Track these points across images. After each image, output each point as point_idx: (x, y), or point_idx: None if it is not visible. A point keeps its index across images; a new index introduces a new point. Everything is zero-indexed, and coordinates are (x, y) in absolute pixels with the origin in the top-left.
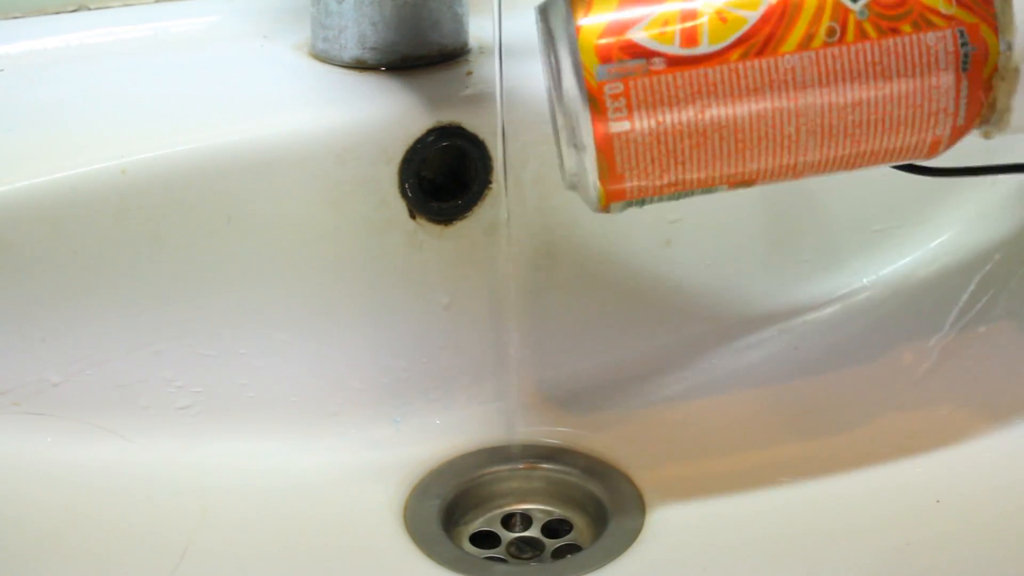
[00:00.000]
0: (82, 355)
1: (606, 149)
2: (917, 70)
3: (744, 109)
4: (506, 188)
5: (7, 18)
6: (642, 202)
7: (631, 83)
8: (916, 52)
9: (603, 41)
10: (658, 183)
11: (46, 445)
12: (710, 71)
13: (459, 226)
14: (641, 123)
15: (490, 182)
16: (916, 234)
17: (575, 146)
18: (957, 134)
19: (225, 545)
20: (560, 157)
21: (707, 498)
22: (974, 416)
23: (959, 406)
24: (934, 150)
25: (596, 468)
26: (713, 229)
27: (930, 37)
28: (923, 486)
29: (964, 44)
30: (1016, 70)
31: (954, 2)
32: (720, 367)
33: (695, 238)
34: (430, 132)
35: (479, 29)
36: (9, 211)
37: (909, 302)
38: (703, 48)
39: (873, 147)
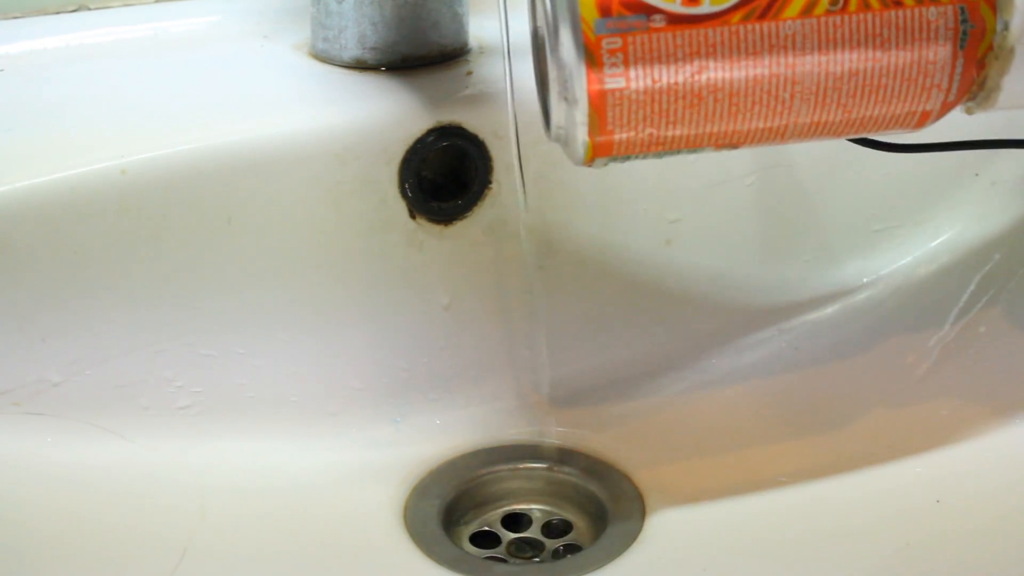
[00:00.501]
0: (82, 355)
1: (598, 104)
2: (915, 44)
3: (741, 72)
4: (523, 184)
5: (7, 18)
6: (626, 158)
7: (629, 39)
8: (916, 25)
9: None
10: (647, 140)
11: (46, 445)
12: (710, 31)
13: (459, 226)
14: (636, 80)
15: (490, 182)
16: (916, 234)
17: (566, 99)
18: (946, 109)
19: (225, 545)
20: (545, 109)
21: (707, 498)
22: (974, 416)
23: (959, 406)
24: (922, 123)
25: (596, 468)
26: (713, 229)
27: (931, 12)
28: (923, 486)
29: (964, 21)
30: (1011, 50)
31: None
32: (720, 367)
33: (695, 238)
34: (430, 132)
35: (479, 29)
36: (9, 211)
37: (909, 302)
38: (705, 8)
39: (863, 116)
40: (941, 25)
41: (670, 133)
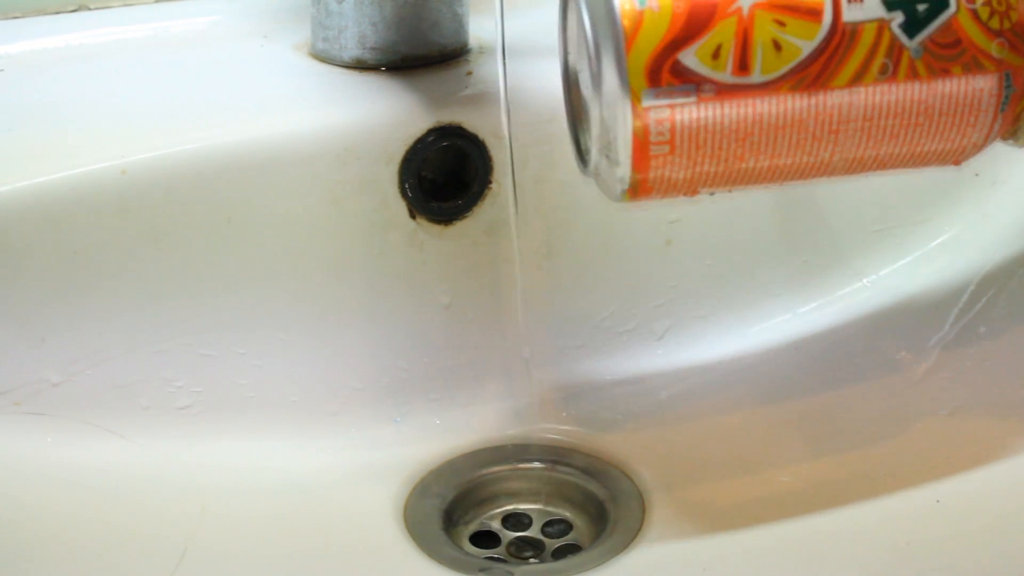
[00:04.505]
0: (82, 355)
1: (641, 168)
2: (958, 110)
3: (785, 139)
4: (514, 186)
5: (7, 18)
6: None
7: (677, 109)
8: (961, 93)
9: (654, 62)
10: (685, 192)
11: (46, 445)
12: (759, 101)
13: (459, 226)
14: (681, 148)
15: (490, 182)
16: (916, 234)
17: (607, 157)
18: (975, 154)
19: (225, 545)
20: (575, 140)
21: (707, 497)
22: (974, 416)
23: (959, 406)
24: (946, 166)
25: (596, 468)
26: (713, 229)
27: (978, 80)
28: (923, 486)
29: (1008, 87)
30: None
31: (1006, 45)
32: (720, 367)
33: (695, 238)
34: (430, 132)
35: (479, 29)
36: (9, 211)
37: (909, 302)
38: (755, 77)
39: (895, 168)
40: (985, 92)
41: (707, 186)
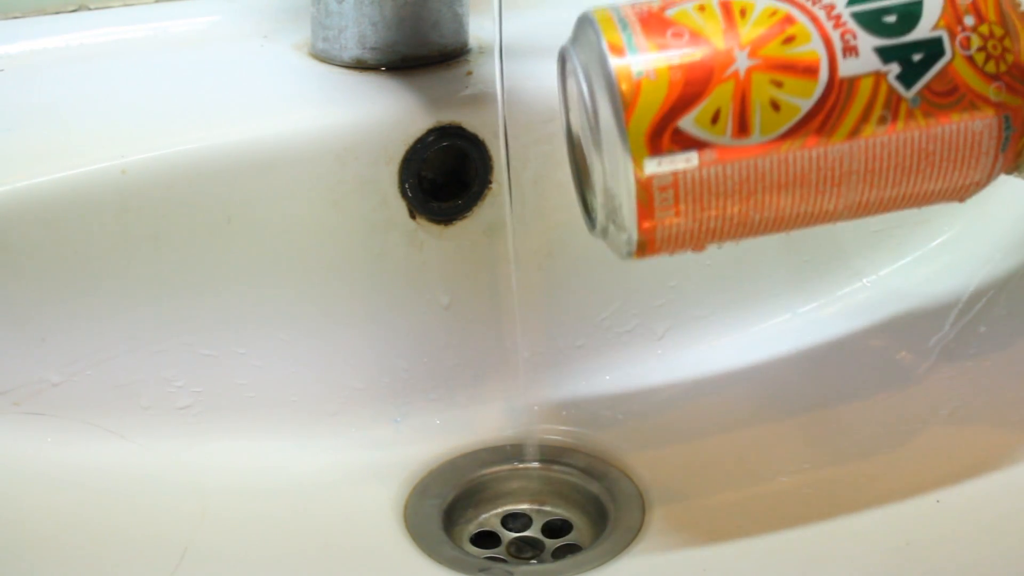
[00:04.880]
0: (82, 355)
1: (648, 232)
2: (959, 154)
3: (789, 193)
4: (510, 187)
5: (7, 18)
6: None
7: (680, 175)
8: (961, 138)
9: (654, 131)
10: (691, 248)
11: (46, 445)
12: (760, 160)
13: (459, 226)
14: (686, 212)
15: (490, 182)
16: (916, 234)
17: (614, 223)
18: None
19: (225, 545)
20: (583, 199)
21: (707, 497)
22: (974, 416)
23: (959, 406)
24: (950, 202)
25: (596, 468)
26: None
27: (977, 124)
28: (923, 486)
29: (1008, 128)
30: None
31: (1003, 88)
32: (720, 367)
33: None
34: (430, 132)
35: (479, 29)
36: (9, 211)
37: (909, 302)
38: (755, 138)
39: (898, 210)
40: (985, 135)
41: (712, 241)
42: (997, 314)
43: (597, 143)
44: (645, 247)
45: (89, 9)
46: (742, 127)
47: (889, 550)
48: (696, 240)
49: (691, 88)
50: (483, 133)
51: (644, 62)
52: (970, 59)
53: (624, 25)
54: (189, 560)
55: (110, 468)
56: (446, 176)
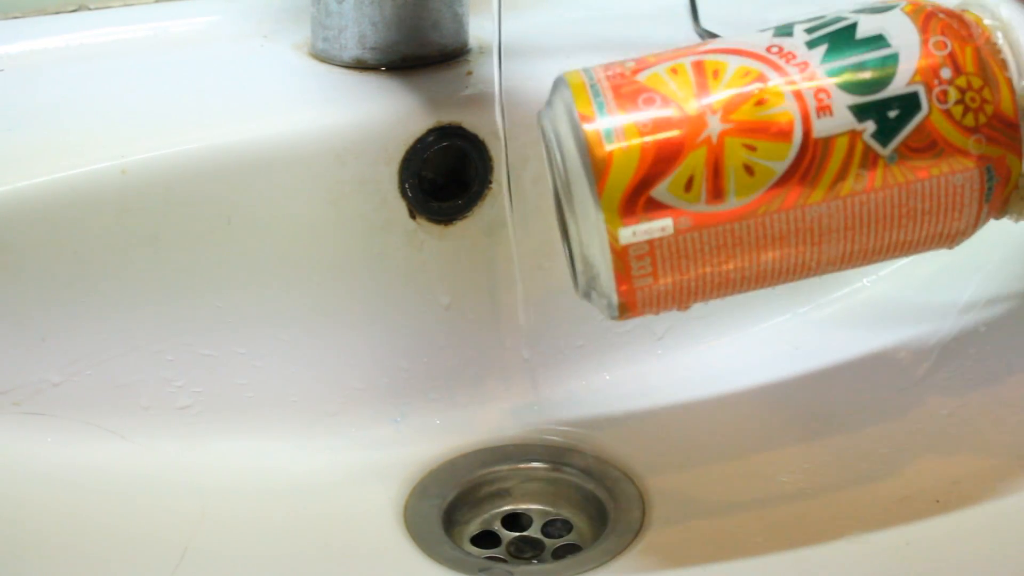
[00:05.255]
0: (82, 355)
1: (628, 297)
2: (941, 207)
3: (768, 254)
4: (509, 187)
5: (7, 18)
6: None
7: (656, 243)
8: (942, 192)
9: (627, 201)
10: (675, 307)
11: (46, 445)
12: (736, 225)
13: (459, 226)
14: (665, 278)
15: (490, 182)
16: None
17: (595, 290)
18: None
19: (225, 545)
20: (569, 262)
21: (707, 497)
22: (974, 416)
23: (959, 406)
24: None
25: (596, 468)
26: None
27: (957, 178)
28: (923, 486)
29: (990, 179)
30: None
31: (983, 140)
32: (720, 367)
33: None
34: (430, 132)
35: (479, 29)
36: (9, 211)
37: (909, 302)
38: (730, 203)
39: (883, 261)
40: (967, 188)
41: (694, 301)
42: (997, 314)
43: (572, 212)
44: (627, 311)
45: (89, 9)
46: (716, 193)
47: (889, 550)
48: (679, 300)
49: (663, 156)
50: (483, 133)
51: (616, 133)
52: (948, 113)
53: (596, 92)
54: (189, 560)
55: (110, 468)
56: (446, 176)
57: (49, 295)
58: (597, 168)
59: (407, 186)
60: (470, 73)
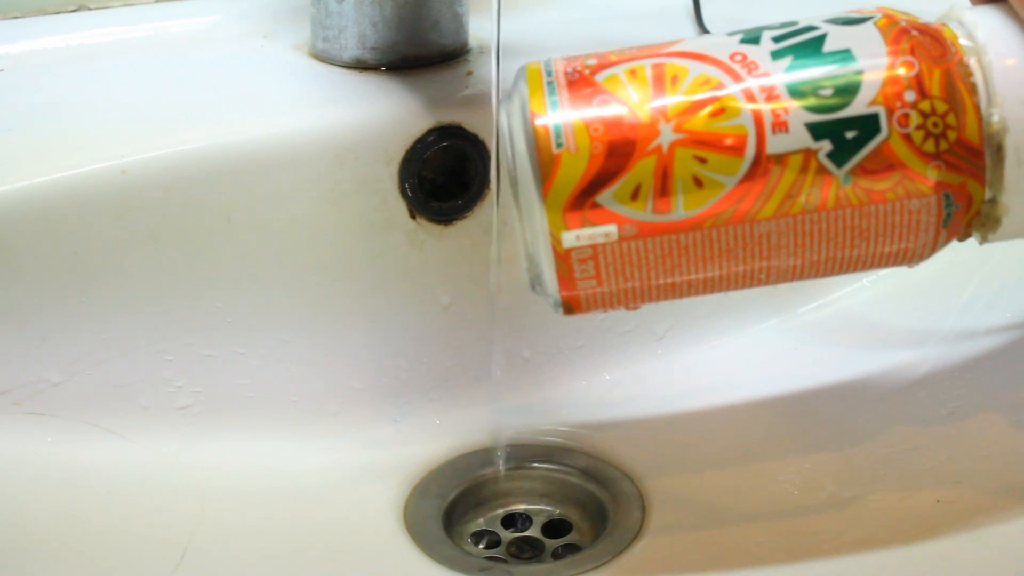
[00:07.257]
0: (82, 355)
1: (571, 297)
2: (896, 230)
3: (715, 265)
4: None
5: (7, 18)
6: None
7: (599, 248)
8: (897, 216)
9: (572, 205)
10: (622, 307)
11: (46, 445)
12: (682, 236)
13: (459, 226)
14: (608, 284)
15: (490, 182)
16: None
17: (539, 285)
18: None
19: (224, 545)
20: (522, 254)
21: (707, 498)
22: (974, 416)
23: (959, 406)
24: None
25: (596, 468)
26: None
27: (914, 203)
28: (923, 486)
29: (948, 205)
30: (997, 220)
31: (943, 167)
32: (720, 367)
33: None
34: (430, 132)
35: (479, 29)
36: (9, 211)
37: (909, 302)
38: (676, 214)
39: (836, 276)
40: (923, 213)
41: (642, 302)
42: (997, 314)
43: (519, 209)
44: (572, 309)
45: (89, 9)
46: (663, 203)
47: (889, 550)
48: (625, 302)
49: (612, 162)
50: (483, 133)
51: (566, 133)
52: (907, 137)
53: (552, 89)
54: (189, 560)
55: (110, 468)
56: (446, 176)
57: (49, 295)
58: (544, 169)
59: (407, 186)
60: (470, 73)
